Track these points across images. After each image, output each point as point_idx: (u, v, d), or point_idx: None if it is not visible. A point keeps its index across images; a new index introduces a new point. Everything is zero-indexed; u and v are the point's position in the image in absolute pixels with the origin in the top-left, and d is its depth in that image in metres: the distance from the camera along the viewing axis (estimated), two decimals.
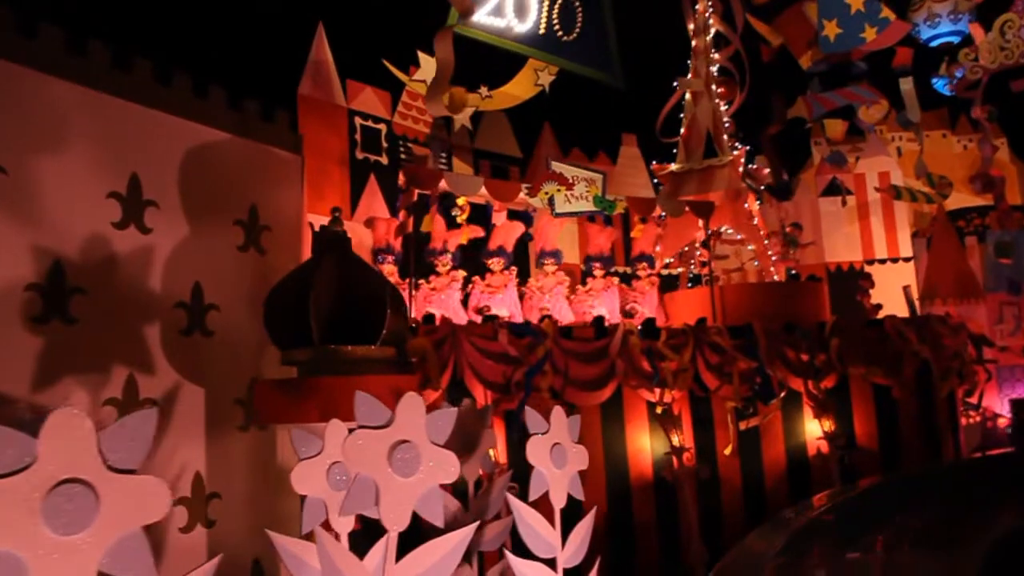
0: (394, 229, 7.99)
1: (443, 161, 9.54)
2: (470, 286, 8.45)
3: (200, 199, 5.91)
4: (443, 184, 8.15)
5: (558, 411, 5.01)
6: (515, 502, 4.69)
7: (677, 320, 9.04)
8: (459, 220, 8.59)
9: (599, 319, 8.02)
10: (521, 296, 8.74)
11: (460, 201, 8.65)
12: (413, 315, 7.46)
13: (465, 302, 8.36)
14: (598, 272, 9.12)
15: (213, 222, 6.03)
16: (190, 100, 6.00)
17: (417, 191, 7.96)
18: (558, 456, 4.91)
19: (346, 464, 3.87)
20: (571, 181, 8.60)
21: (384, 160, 8.77)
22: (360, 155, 8.57)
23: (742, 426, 7.84)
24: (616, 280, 9.25)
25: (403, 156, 9.00)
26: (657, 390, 7.52)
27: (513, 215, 9.27)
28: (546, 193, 8.54)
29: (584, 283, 9.22)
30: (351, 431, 3.68)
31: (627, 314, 9.17)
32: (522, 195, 8.64)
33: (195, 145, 5.96)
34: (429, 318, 7.17)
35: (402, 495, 3.70)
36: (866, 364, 8.43)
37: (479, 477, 5.56)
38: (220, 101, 6.29)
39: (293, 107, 7.78)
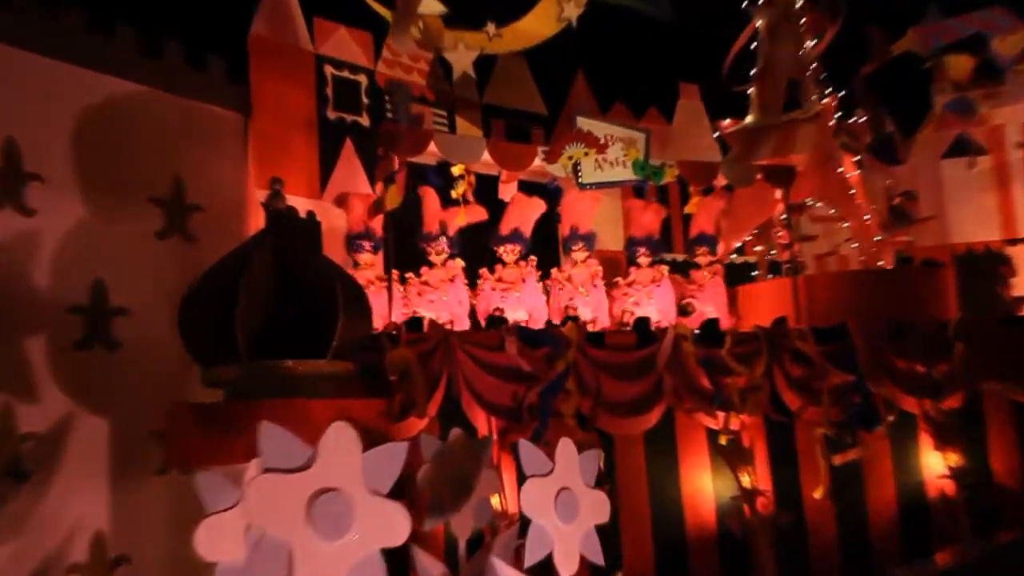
0: (369, 207, 7.77)
1: (439, 121, 9.26)
2: (479, 283, 8.22)
3: (103, 171, 5.78)
4: (434, 148, 7.94)
5: (565, 444, 4.82)
6: (499, 567, 4.41)
7: (749, 320, 8.76)
8: (455, 195, 8.27)
9: (643, 320, 7.83)
10: (547, 292, 8.50)
11: (456, 170, 8.31)
12: (395, 319, 7.23)
13: (474, 308, 8.18)
14: (643, 259, 8.89)
15: (121, 201, 5.90)
16: (89, 42, 5.82)
17: (399, 158, 7.71)
18: (566, 505, 4.70)
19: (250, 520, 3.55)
20: (603, 142, 8.37)
21: (364, 121, 8.63)
22: (332, 114, 8.46)
23: (836, 461, 7.61)
24: (666, 270, 8.91)
25: (389, 115, 8.74)
26: (720, 414, 7.35)
27: (529, 189, 8.93)
28: (569, 158, 8.23)
29: (626, 275, 9.06)
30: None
31: (683, 310, 8.85)
32: (538, 161, 8.32)
33: (96, 101, 5.80)
34: (415, 322, 6.94)
35: (326, 564, 3.47)
36: (1005, 376, 8.09)
37: (478, 532, 5.46)
38: (131, 43, 6.12)
39: (240, 52, 7.57)
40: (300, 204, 7.50)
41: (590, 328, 7.99)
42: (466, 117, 9.46)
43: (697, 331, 7.71)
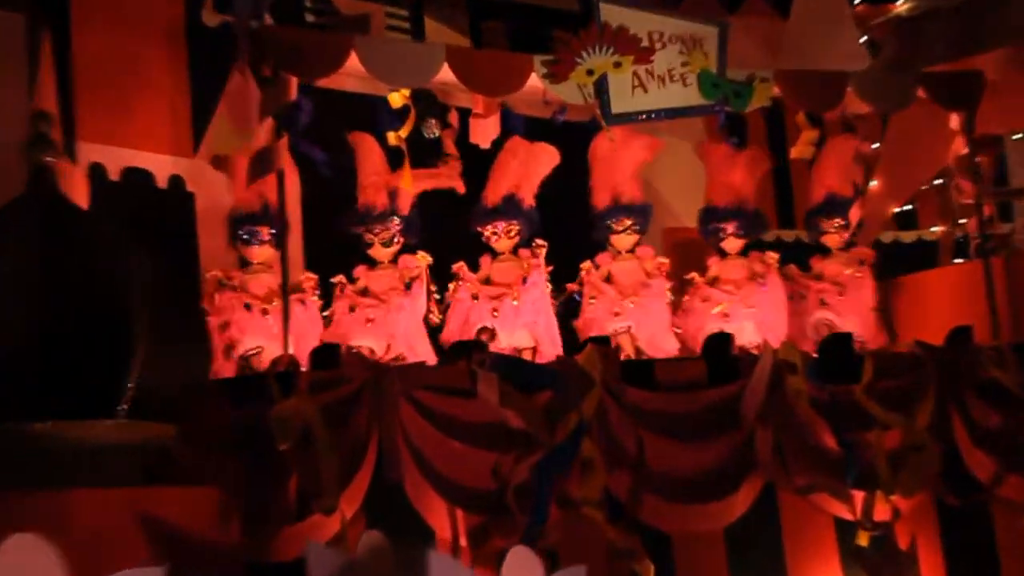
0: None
1: (395, 25, 9.21)
2: (451, 287, 8.04)
3: None
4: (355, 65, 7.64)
5: (517, 557, 5.04)
6: None
7: (910, 334, 8.64)
8: (394, 141, 8.01)
9: (719, 339, 7.74)
10: (569, 303, 8.33)
11: (395, 99, 8.08)
12: (290, 349, 7.06)
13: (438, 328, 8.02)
14: (732, 243, 8.61)
15: None
16: None
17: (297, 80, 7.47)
18: None
19: None
20: (645, 44, 8.11)
21: None
22: (213, 20, 8.40)
23: None
24: (775, 259, 8.60)
25: (313, 20, 8.78)
26: (858, 495, 7.23)
27: (530, 131, 8.60)
28: (589, 73, 7.91)
29: (705, 269, 8.80)
30: None
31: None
32: (537, 79, 7.99)
33: None
34: (325, 354, 6.81)
35: None
36: None
37: None
38: None
39: None
40: (160, 166, 7.88)
41: (626, 355, 7.89)
42: (440, 17, 9.44)
43: (815, 355, 7.62)
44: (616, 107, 8.06)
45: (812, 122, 9.10)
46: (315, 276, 7.80)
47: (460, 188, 8.30)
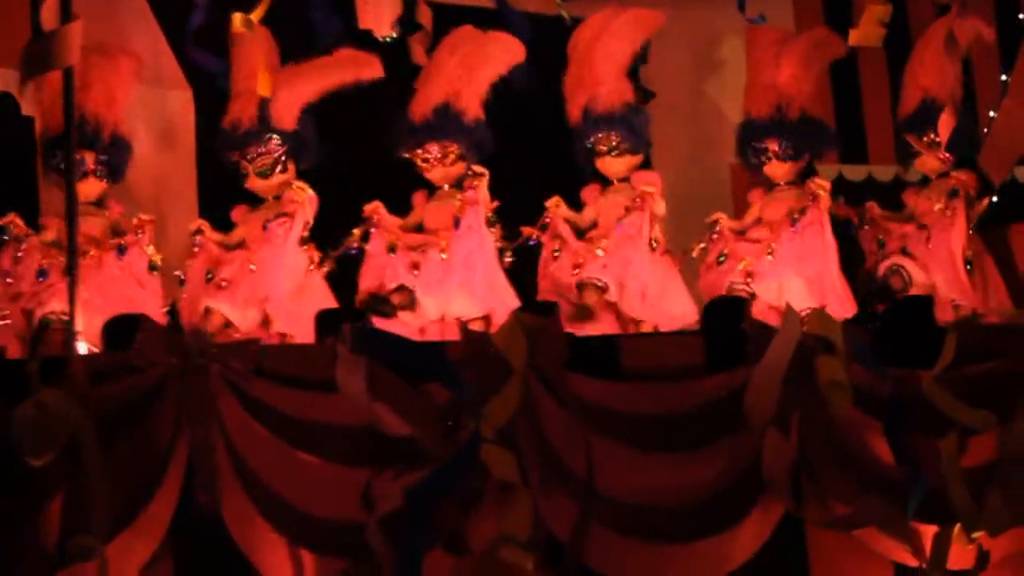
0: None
1: None
2: (352, 236, 7.86)
3: None
4: None
5: None
6: None
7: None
8: (238, 27, 7.51)
9: (726, 304, 7.29)
10: (516, 250, 7.97)
11: None
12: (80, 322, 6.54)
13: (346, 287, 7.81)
14: (777, 168, 8.14)
15: None
16: None
17: None
18: None
19: None
20: None
21: None
22: None
23: None
24: (825, 187, 8.07)
25: None
26: (926, 531, 6.61)
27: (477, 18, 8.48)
28: None
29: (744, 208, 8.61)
30: None
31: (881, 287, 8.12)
32: None
33: None
34: (124, 327, 6.23)
35: None
36: None
37: None
38: None
39: None
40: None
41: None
42: None
43: (867, 323, 7.34)
44: None
45: None
46: (150, 218, 7.53)
47: (376, 71, 7.82)
